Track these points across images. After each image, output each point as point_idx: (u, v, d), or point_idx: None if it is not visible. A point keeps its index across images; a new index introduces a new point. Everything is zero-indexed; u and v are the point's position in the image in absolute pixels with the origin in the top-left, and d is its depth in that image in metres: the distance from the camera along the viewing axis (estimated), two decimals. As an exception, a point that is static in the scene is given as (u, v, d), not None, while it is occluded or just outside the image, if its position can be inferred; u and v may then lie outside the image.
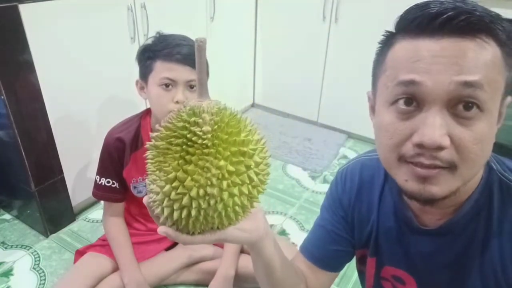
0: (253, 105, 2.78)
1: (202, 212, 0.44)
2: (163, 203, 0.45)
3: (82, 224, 1.67)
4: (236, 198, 0.45)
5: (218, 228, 0.48)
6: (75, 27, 1.44)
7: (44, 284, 1.39)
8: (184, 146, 0.44)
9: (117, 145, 1.20)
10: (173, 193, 0.43)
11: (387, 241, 0.69)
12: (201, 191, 0.43)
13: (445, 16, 0.46)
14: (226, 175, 0.44)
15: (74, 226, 1.66)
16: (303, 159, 2.17)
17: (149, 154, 0.47)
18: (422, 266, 0.65)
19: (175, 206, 0.44)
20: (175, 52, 1.07)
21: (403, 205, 0.64)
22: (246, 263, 1.29)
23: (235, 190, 0.45)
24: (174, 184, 0.43)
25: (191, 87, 1.10)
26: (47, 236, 1.59)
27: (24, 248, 1.54)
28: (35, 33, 1.32)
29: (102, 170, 1.24)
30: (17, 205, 1.68)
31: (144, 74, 1.13)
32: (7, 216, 1.71)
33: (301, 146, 2.30)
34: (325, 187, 1.90)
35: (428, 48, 0.48)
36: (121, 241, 1.26)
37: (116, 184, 1.24)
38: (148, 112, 1.23)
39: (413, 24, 0.49)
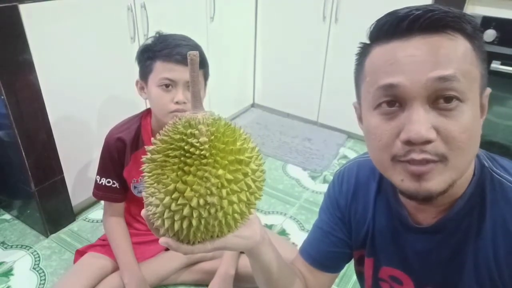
0: (253, 105, 2.78)
1: (203, 221, 0.45)
2: (163, 215, 0.45)
3: (82, 224, 1.67)
4: (235, 206, 0.46)
5: (217, 236, 0.49)
6: (75, 27, 1.44)
7: (44, 284, 1.39)
8: (182, 158, 0.44)
9: (117, 145, 1.19)
10: (173, 205, 0.44)
11: (383, 241, 0.70)
12: (201, 201, 0.44)
13: (411, 16, 0.49)
14: (225, 183, 0.45)
15: (74, 226, 1.66)
16: (303, 159, 2.17)
17: (145, 167, 0.47)
18: (418, 264, 0.65)
19: (176, 217, 0.45)
20: (175, 52, 1.06)
21: (398, 204, 0.65)
22: (246, 263, 1.29)
23: (234, 198, 0.46)
24: (174, 195, 0.44)
25: None
26: (47, 236, 1.59)
27: (24, 248, 1.54)
28: (35, 33, 1.32)
29: (103, 170, 1.24)
30: (17, 205, 1.68)
31: (144, 74, 1.13)
32: (7, 216, 1.71)
33: (301, 146, 2.30)
34: (325, 187, 1.90)
35: (400, 49, 0.50)
36: (121, 241, 1.26)
37: (116, 184, 1.24)
38: (148, 112, 1.23)
39: (384, 29, 0.52)
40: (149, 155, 0.47)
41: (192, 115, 0.48)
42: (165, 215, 0.45)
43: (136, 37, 1.67)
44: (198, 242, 0.48)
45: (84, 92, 1.54)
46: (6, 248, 1.54)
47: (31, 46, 1.31)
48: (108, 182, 1.24)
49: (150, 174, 0.47)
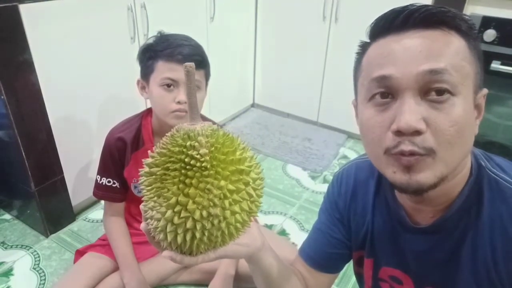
0: (253, 105, 2.78)
1: (206, 233, 0.45)
2: (166, 228, 0.45)
3: (82, 224, 1.67)
4: (237, 216, 0.46)
5: (220, 245, 0.49)
6: (75, 27, 1.44)
7: (44, 284, 1.39)
8: (182, 171, 0.44)
9: (118, 144, 1.19)
10: (175, 218, 0.44)
11: (382, 241, 0.70)
12: (204, 213, 0.44)
13: (406, 11, 0.51)
14: (228, 194, 0.45)
15: (74, 226, 1.66)
16: (303, 159, 2.17)
17: (144, 181, 0.47)
18: (417, 264, 0.65)
19: (179, 230, 0.44)
20: (177, 52, 1.06)
21: (396, 205, 0.65)
22: (246, 263, 1.29)
23: (237, 208, 0.46)
24: (176, 208, 0.44)
25: None
26: (47, 236, 1.59)
27: (24, 248, 1.54)
28: (35, 33, 1.32)
29: (103, 170, 1.24)
30: (17, 205, 1.68)
31: (146, 74, 1.12)
32: (7, 216, 1.71)
33: (301, 146, 2.30)
34: (325, 187, 1.90)
35: (394, 42, 0.52)
36: (122, 241, 1.26)
37: (117, 184, 1.24)
38: (149, 111, 1.23)
39: (380, 25, 0.53)
40: (147, 169, 0.47)
41: (191, 126, 0.47)
42: (168, 229, 0.45)
43: (136, 37, 1.67)
44: (201, 252, 0.48)
45: (84, 92, 1.54)
46: (6, 248, 1.54)
47: (31, 46, 1.31)
48: (109, 181, 1.24)
49: (149, 187, 0.46)
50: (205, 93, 1.18)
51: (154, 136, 1.20)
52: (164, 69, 1.07)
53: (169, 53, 1.07)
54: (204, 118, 1.26)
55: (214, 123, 1.22)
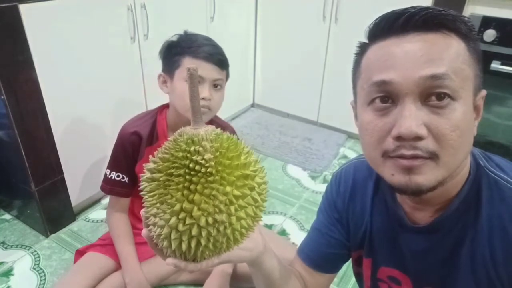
0: (253, 105, 2.78)
1: (211, 239, 0.44)
2: (170, 236, 0.44)
3: (82, 224, 1.67)
4: (243, 221, 0.45)
5: (224, 251, 0.48)
6: (75, 27, 1.44)
7: (44, 284, 1.39)
8: (187, 176, 0.43)
9: (132, 139, 1.20)
10: (180, 225, 0.43)
11: (381, 241, 0.70)
12: (210, 219, 0.43)
13: (407, 14, 0.50)
14: (233, 200, 0.44)
15: (74, 226, 1.66)
16: (303, 159, 2.17)
17: (146, 187, 0.46)
18: (415, 264, 0.65)
19: (184, 237, 0.44)
20: (201, 50, 1.10)
21: (395, 204, 0.65)
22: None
23: (242, 213, 0.45)
24: (181, 215, 0.43)
25: (215, 86, 1.13)
26: (47, 236, 1.59)
27: (24, 248, 1.54)
28: (35, 33, 1.32)
29: (114, 164, 1.24)
30: (17, 205, 1.67)
31: (170, 69, 1.14)
32: (7, 216, 1.71)
33: (301, 146, 2.30)
34: (325, 187, 1.90)
35: (395, 45, 0.51)
36: (125, 239, 1.26)
37: (126, 179, 1.24)
38: (163, 107, 1.24)
39: (380, 27, 0.53)
40: (148, 174, 0.46)
41: (194, 131, 0.46)
42: (172, 236, 0.44)
43: (136, 37, 1.67)
44: (205, 258, 0.48)
45: (84, 92, 1.54)
46: (6, 248, 1.54)
47: (31, 46, 1.31)
48: (118, 176, 1.24)
49: (152, 194, 0.45)
50: (223, 93, 1.19)
51: (169, 132, 1.21)
52: (190, 65, 1.08)
53: (195, 50, 1.10)
54: (218, 119, 1.27)
55: (227, 125, 1.20)
